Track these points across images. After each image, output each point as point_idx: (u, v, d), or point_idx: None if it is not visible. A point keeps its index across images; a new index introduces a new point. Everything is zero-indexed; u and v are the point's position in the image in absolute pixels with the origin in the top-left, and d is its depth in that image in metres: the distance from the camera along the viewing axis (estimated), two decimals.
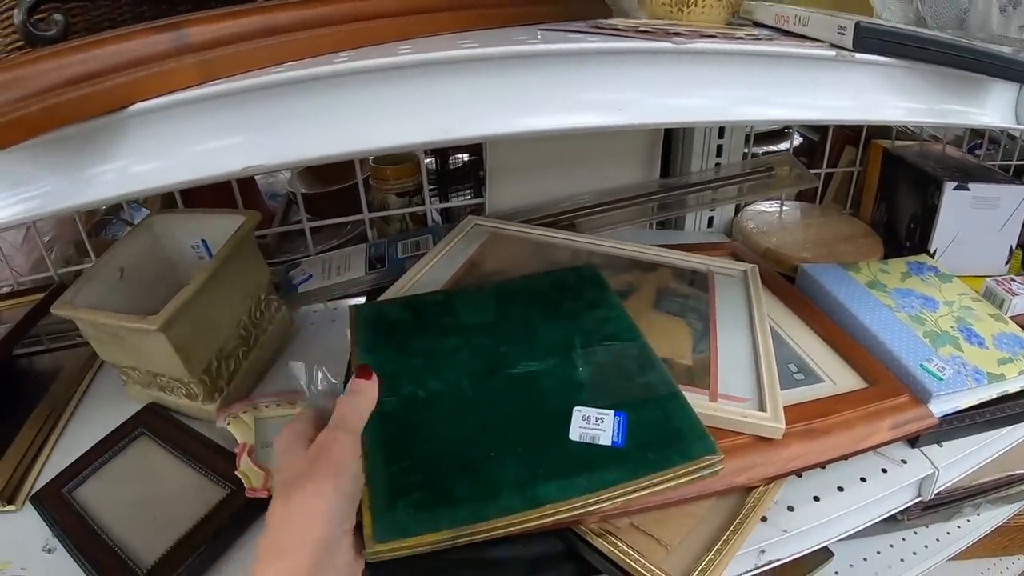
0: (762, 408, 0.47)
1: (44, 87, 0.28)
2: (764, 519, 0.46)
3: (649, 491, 0.37)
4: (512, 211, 0.69)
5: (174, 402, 0.55)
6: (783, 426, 0.45)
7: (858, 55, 0.36)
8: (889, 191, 0.77)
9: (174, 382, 0.54)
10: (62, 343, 0.64)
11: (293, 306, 0.66)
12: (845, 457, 0.49)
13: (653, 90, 0.30)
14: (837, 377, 0.53)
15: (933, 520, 0.75)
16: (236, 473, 0.48)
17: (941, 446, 0.56)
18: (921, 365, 0.55)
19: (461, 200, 0.75)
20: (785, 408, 0.47)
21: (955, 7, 0.60)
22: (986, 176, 0.72)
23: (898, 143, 0.81)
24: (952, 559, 0.75)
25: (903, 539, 0.74)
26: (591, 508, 0.37)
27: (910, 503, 0.56)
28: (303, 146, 0.29)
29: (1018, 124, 0.45)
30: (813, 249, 0.70)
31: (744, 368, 0.50)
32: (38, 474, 0.52)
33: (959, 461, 0.57)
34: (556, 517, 0.36)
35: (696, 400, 0.45)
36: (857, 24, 0.35)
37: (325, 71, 0.28)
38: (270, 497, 0.47)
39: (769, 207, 0.80)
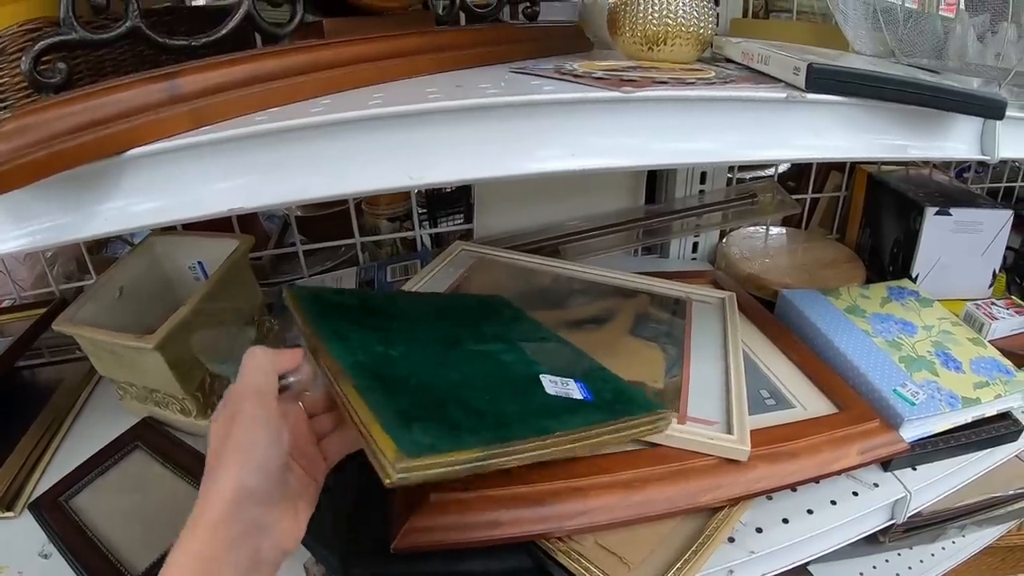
0: (729, 431, 0.49)
1: (49, 135, 0.31)
2: (732, 540, 0.49)
3: (629, 432, 0.44)
4: (500, 237, 0.73)
5: (168, 417, 0.59)
6: (748, 448, 0.48)
7: (810, 96, 0.38)
8: (873, 216, 0.79)
9: (169, 398, 0.57)
10: (63, 356, 0.68)
11: (286, 326, 0.69)
12: (812, 480, 0.51)
13: (603, 136, 0.33)
14: (808, 403, 0.56)
15: (917, 542, 0.76)
16: None
17: (915, 469, 0.58)
18: (895, 390, 0.58)
19: (451, 226, 0.79)
20: (753, 432, 0.50)
21: (932, 36, 0.63)
22: (969, 201, 0.74)
23: (884, 168, 0.83)
24: None
25: (886, 560, 0.75)
26: (590, 441, 0.41)
27: (882, 526, 0.58)
28: (283, 190, 0.32)
29: (983, 155, 0.48)
30: (795, 275, 0.73)
31: (715, 393, 0.53)
32: (37, 482, 0.55)
33: (933, 484, 0.59)
34: (565, 446, 0.39)
35: None
36: (809, 66, 0.38)
37: (301, 123, 0.31)
38: None
39: (754, 233, 0.82)
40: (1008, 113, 0.46)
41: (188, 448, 0.57)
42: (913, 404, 0.57)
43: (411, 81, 0.40)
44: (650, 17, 0.47)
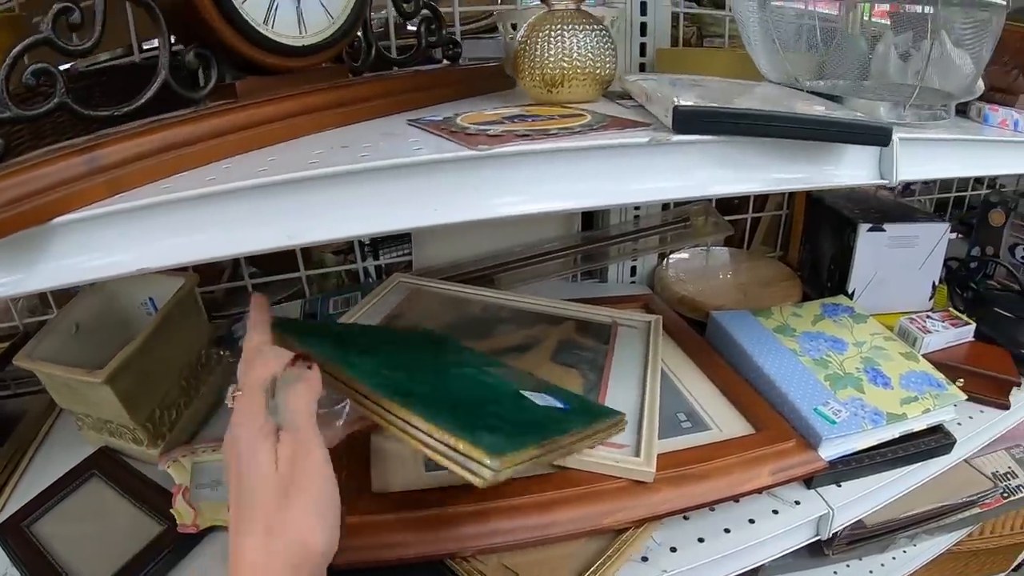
0: (638, 454, 0.54)
1: None
2: (645, 559, 0.53)
3: (603, 433, 0.53)
4: (440, 267, 0.78)
5: (122, 446, 0.65)
6: (654, 470, 0.52)
7: (675, 137, 0.41)
8: (812, 234, 0.83)
9: (121, 428, 0.63)
10: (27, 388, 0.74)
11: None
12: (720, 502, 0.55)
13: (459, 191, 0.38)
14: (725, 425, 0.60)
15: (864, 553, 0.80)
16: (171, 511, 0.57)
17: (840, 486, 0.62)
18: (815, 409, 0.61)
19: (396, 257, 0.84)
20: (665, 455, 0.54)
21: (856, 55, 0.66)
22: (905, 215, 0.78)
23: None
24: None
25: (834, 572, 0.79)
26: (586, 439, 0.51)
27: (806, 543, 0.62)
28: (178, 252, 0.38)
29: (882, 179, 0.52)
30: (730, 295, 0.77)
31: (628, 417, 0.57)
32: (1, 509, 0.61)
33: (859, 500, 0.62)
34: (576, 444, 0.49)
35: None
36: (674, 108, 0.41)
37: (189, 195, 0.36)
38: (199, 533, 0.56)
39: (694, 254, 0.87)
40: (911, 135, 0.50)
41: (140, 475, 0.62)
42: (833, 423, 0.60)
43: (313, 138, 0.45)
44: (547, 60, 0.52)
